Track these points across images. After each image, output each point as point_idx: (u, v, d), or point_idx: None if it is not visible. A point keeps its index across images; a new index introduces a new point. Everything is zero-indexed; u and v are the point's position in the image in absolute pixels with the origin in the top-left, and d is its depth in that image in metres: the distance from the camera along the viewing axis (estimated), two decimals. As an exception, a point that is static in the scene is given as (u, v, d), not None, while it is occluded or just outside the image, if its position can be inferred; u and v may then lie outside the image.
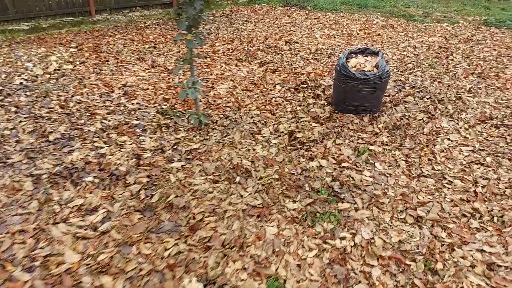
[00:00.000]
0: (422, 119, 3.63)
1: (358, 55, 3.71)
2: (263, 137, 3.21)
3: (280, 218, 2.25)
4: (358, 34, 7.01)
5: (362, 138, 3.26)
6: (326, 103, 3.94)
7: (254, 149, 2.99)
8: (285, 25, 7.70)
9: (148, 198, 2.36)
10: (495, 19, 8.40)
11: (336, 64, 3.62)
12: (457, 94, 4.24)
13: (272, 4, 10.42)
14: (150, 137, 3.08)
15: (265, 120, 3.51)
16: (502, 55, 5.73)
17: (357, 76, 3.41)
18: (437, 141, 3.26)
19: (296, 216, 2.29)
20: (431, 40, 6.48)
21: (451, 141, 3.28)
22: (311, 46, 6.04)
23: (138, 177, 2.53)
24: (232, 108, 3.76)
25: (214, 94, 4.09)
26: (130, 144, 2.96)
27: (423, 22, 8.21)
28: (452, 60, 5.43)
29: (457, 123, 3.58)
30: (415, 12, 9.44)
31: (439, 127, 3.50)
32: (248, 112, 3.66)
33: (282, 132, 3.28)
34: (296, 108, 3.78)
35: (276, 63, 5.24)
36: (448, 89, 4.37)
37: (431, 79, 4.66)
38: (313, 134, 3.26)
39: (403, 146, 3.16)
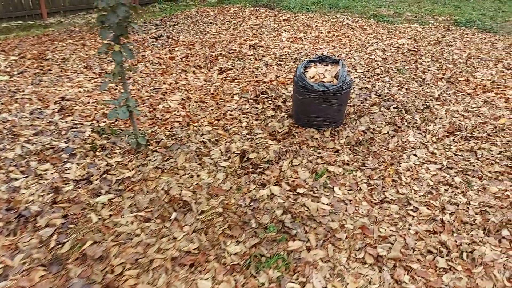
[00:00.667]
0: (388, 132, 3.35)
1: (318, 64, 3.40)
2: (211, 159, 2.84)
3: (217, 267, 1.89)
4: (326, 36, 6.74)
5: (321, 157, 2.94)
6: (286, 116, 3.61)
7: (198, 175, 2.62)
8: (252, 27, 7.36)
9: (59, 246, 1.96)
10: (465, 19, 8.31)
11: (294, 75, 3.29)
12: (425, 102, 4.00)
13: (241, 5, 10.06)
14: (78, 164, 2.67)
15: (216, 138, 3.15)
16: (472, 58, 5.56)
17: (315, 88, 3.09)
18: (403, 158, 2.98)
19: (238, 263, 1.94)
20: (400, 42, 6.27)
21: (418, 157, 3.00)
22: (277, 51, 5.71)
23: (51, 218, 2.13)
24: (181, 124, 3.38)
25: (163, 107, 3.70)
26: (52, 173, 2.54)
27: (394, 23, 8.03)
28: (421, 64, 5.21)
29: (425, 136, 3.32)
30: (385, 13, 9.28)
31: (405, 141, 3.22)
32: (198, 129, 3.28)
33: (234, 153, 2.93)
34: (252, 123, 3.43)
35: (237, 70, 4.88)
36: (416, 96, 4.12)
37: (398, 86, 4.40)
38: (268, 154, 2.92)
39: (365, 166, 2.86)
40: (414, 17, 8.80)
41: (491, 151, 3.10)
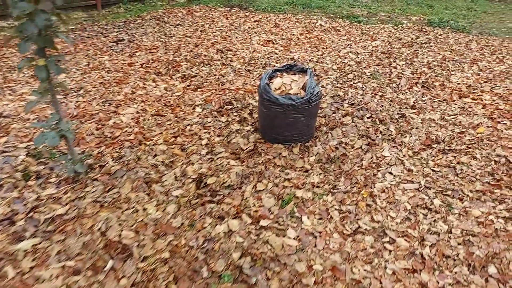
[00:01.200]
0: (361, 147, 3.08)
1: (284, 73, 3.09)
2: (163, 186, 2.48)
3: (156, 334, 1.55)
4: (298, 39, 6.46)
5: (289, 179, 2.64)
6: (252, 130, 3.29)
7: (144, 209, 2.26)
8: (221, 29, 7.00)
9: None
10: (438, 18, 8.21)
11: (258, 86, 2.96)
12: (400, 110, 3.76)
13: (212, 5, 9.67)
14: (2, 199, 2.26)
15: (171, 160, 2.79)
16: (447, 60, 5.40)
17: (280, 102, 2.78)
18: (377, 178, 2.71)
19: (182, 326, 1.60)
20: (374, 44, 6.05)
21: (394, 176, 2.74)
22: (246, 55, 5.38)
23: (-46, 276, 1.73)
24: (132, 142, 3.01)
25: (114, 123, 3.30)
26: (-34, 214, 2.13)
27: (367, 23, 7.84)
28: (396, 67, 4.99)
29: (400, 150, 3.07)
30: (359, 13, 9.10)
31: (380, 157, 2.96)
32: (151, 149, 2.92)
33: (190, 177, 2.58)
34: (214, 140, 3.09)
35: (202, 77, 4.52)
36: (390, 104, 3.87)
37: (372, 93, 4.15)
38: (230, 178, 2.59)
39: (337, 189, 2.57)
40: (387, 17, 8.65)
41: (471, 165, 2.87)
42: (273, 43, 6.17)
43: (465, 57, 5.58)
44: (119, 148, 2.92)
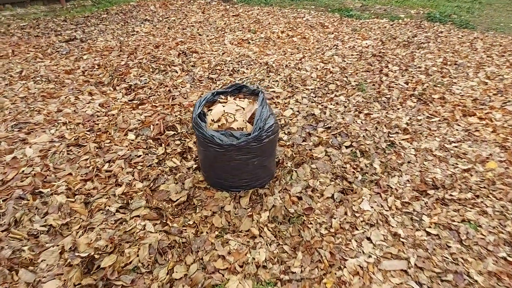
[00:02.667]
0: (333, 195, 2.30)
1: (229, 97, 2.29)
2: (35, 273, 1.71)
3: None
4: (279, 37, 5.63)
5: (224, 257, 1.86)
6: (195, 166, 2.51)
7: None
8: (193, 26, 6.16)
9: None
10: (439, 12, 7.37)
11: (192, 114, 2.17)
12: (389, 136, 2.97)
13: (191, -4, 8.79)
14: None
15: (65, 222, 2.02)
16: (449, 63, 4.59)
17: (216, 141, 1.99)
18: (350, 249, 1.94)
19: None
20: (364, 45, 5.23)
21: (373, 246, 1.97)
22: (213, 58, 4.57)
23: None
24: (25, 190, 2.23)
25: (13, 159, 2.52)
26: None
27: (360, 18, 7.00)
28: (387, 75, 4.19)
29: (386, 200, 2.29)
30: (352, 5, 8.23)
31: (357, 212, 2.18)
32: (45, 202, 2.14)
33: (79, 256, 1.81)
34: (135, 186, 2.31)
35: (151, 88, 3.72)
36: (377, 128, 3.09)
37: (356, 110, 3.36)
38: (138, 255, 1.82)
39: (290, 273, 1.80)
40: (383, 11, 7.80)
41: (480, 226, 2.10)
42: (249, 42, 5.35)
43: (469, 60, 4.77)
44: (3, 201, 2.14)
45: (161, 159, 2.59)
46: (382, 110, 3.39)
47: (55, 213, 2.06)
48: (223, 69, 4.22)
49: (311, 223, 2.08)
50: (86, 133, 2.87)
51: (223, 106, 2.19)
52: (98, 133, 2.90)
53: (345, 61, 4.60)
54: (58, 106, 3.31)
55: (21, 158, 2.54)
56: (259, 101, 2.15)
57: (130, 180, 2.35)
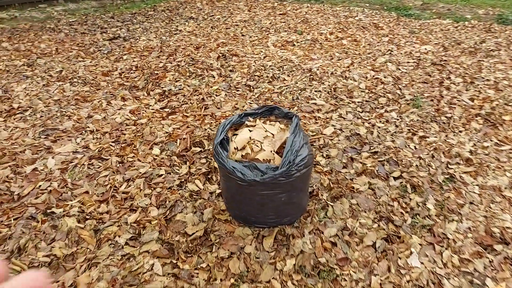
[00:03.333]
0: (374, 244, 1.94)
1: (259, 120, 1.99)
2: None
3: None
4: (327, 39, 5.22)
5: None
6: (218, 192, 2.26)
7: None
8: (237, 25, 5.92)
9: None
10: (512, 13, 6.51)
11: (214, 139, 1.90)
12: (447, 167, 2.53)
13: (239, -7, 8.56)
14: None
15: (72, 251, 1.85)
16: (523, 76, 3.95)
17: (237, 175, 1.71)
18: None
19: None
20: (423, 50, 4.68)
21: (422, 318, 1.59)
22: (253, 62, 4.29)
23: None
24: (38, 209, 2.10)
25: (33, 170, 2.42)
26: None
27: (419, 18, 6.37)
28: (449, 88, 3.66)
29: (440, 254, 1.89)
30: (412, 3, 7.55)
31: (403, 268, 1.81)
32: (55, 227, 1.99)
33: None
34: (149, 213, 2.10)
35: (185, 95, 3.52)
36: (433, 156, 2.64)
37: (409, 131, 2.93)
38: (141, 301, 1.60)
39: None
40: (447, 10, 7.06)
41: None
42: (294, 45, 5.00)
43: (551, 72, 4.07)
44: (14, 219, 2.03)
45: (183, 180, 2.37)
46: (440, 133, 2.92)
47: (62, 240, 1.90)
48: (262, 76, 3.93)
49: (345, 279, 1.74)
50: (111, 145, 2.72)
51: (250, 131, 1.90)
52: (123, 145, 2.74)
53: (399, 69, 4.11)
54: (89, 112, 3.21)
55: (41, 170, 2.44)
56: (292, 128, 1.83)
57: (146, 205, 2.15)
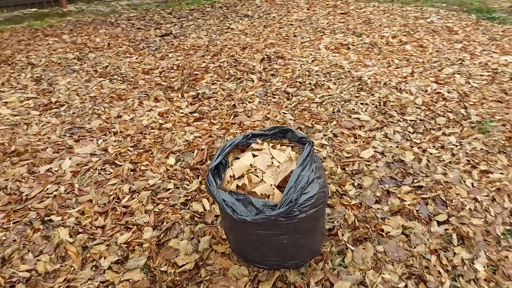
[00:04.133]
0: (395, 311, 1.55)
1: (267, 143, 1.69)
2: None
3: None
4: (388, 43, 4.68)
5: None
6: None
7: None
8: (291, 25, 5.60)
9: None
10: None
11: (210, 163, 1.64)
12: (511, 215, 2.01)
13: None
14: None
15: (54, 269, 1.73)
16: None
17: (226, 211, 1.44)
18: None
19: None
20: (502, 62, 3.96)
21: None
22: (299, 66, 3.96)
23: None
24: (39, 214, 2.03)
25: (48, 171, 2.37)
26: None
27: (504, 23, 5.49)
28: (529, 111, 3.01)
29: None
30: (497, 5, 6.58)
31: None
32: (46, 237, 1.89)
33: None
34: (143, 235, 1.91)
35: (217, 99, 3.32)
36: (495, 198, 2.12)
37: (468, 163, 2.41)
38: None
39: None
40: (542, 13, 6.01)
41: None
42: (348, 48, 4.56)
43: None
44: (14, 223, 1.98)
45: (189, 198, 2.16)
46: (509, 168, 2.37)
47: (49, 254, 1.79)
48: (304, 82, 3.58)
49: None
50: (128, 150, 2.61)
51: (254, 157, 1.61)
52: (140, 150, 2.61)
53: (469, 83, 3.50)
54: (120, 111, 3.15)
55: (55, 171, 2.39)
56: (301, 158, 1.51)
57: (143, 224, 1.97)
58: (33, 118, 3.04)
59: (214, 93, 3.44)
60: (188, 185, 2.26)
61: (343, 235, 1.89)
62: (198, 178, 2.32)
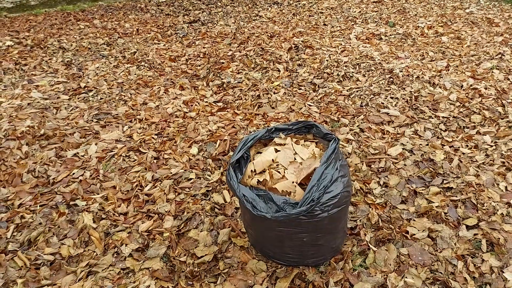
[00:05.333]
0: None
1: (290, 138, 1.64)
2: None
3: None
4: (422, 34, 4.48)
5: None
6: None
7: None
8: (321, 13, 5.45)
9: None
10: None
11: (230, 157, 1.61)
12: (550, 225, 1.88)
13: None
14: None
15: (78, 253, 1.77)
16: None
17: (246, 205, 1.42)
18: None
19: None
20: (548, 57, 3.71)
21: None
22: (327, 56, 3.85)
23: None
24: (65, 198, 2.08)
25: (74, 156, 2.43)
26: None
27: (552, 14, 5.12)
28: None
29: None
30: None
31: None
32: (71, 222, 1.94)
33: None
34: (164, 223, 1.93)
35: (241, 89, 3.29)
36: (532, 205, 2.00)
37: (503, 164, 2.28)
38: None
39: None
40: None
41: None
42: (381, 38, 4.39)
43: None
44: (40, 206, 2.04)
45: (210, 188, 2.15)
46: (547, 173, 2.22)
47: (72, 238, 1.84)
48: (332, 73, 3.49)
49: None
50: (153, 137, 2.63)
51: (277, 152, 1.58)
52: (164, 138, 2.62)
53: (508, 79, 3.30)
54: (146, 98, 3.18)
55: (81, 156, 2.44)
56: (325, 156, 1.46)
57: (164, 212, 1.98)
58: (63, 102, 3.11)
59: (239, 82, 3.40)
60: (209, 176, 2.26)
61: (365, 234, 1.84)
62: (219, 169, 2.31)
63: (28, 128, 2.66)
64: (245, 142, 1.59)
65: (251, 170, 1.53)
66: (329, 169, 1.44)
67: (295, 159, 1.54)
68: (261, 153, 1.62)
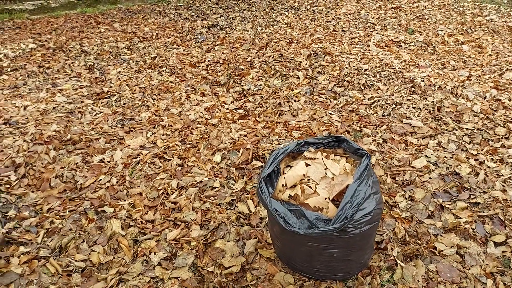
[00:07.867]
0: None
1: (319, 153, 1.65)
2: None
3: None
4: (443, 42, 4.45)
5: None
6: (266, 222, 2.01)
7: None
8: (339, 19, 5.44)
9: None
10: None
11: (261, 172, 1.62)
12: None
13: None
14: None
15: (107, 260, 1.80)
16: None
17: (277, 220, 1.43)
18: None
19: None
20: None
21: None
22: (347, 64, 3.85)
23: None
24: (93, 204, 2.12)
25: (100, 161, 2.47)
26: None
27: None
28: None
29: None
30: None
31: None
32: (100, 228, 1.98)
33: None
34: (191, 232, 1.95)
35: (262, 96, 3.31)
36: (562, 223, 1.97)
37: (531, 181, 2.25)
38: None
39: None
40: None
41: None
42: (400, 46, 4.37)
43: None
44: (69, 211, 2.08)
45: (235, 198, 2.17)
46: None
47: (102, 245, 1.87)
48: (353, 81, 3.48)
49: None
50: (176, 144, 2.66)
51: (307, 166, 1.58)
52: (188, 145, 2.65)
53: (533, 91, 3.26)
54: (168, 104, 3.21)
55: (107, 161, 2.48)
56: (358, 172, 1.47)
57: (190, 221, 2.01)
58: (87, 106, 3.16)
59: (259, 89, 3.42)
60: (233, 185, 2.28)
61: (392, 249, 1.83)
62: (243, 178, 2.33)
63: (54, 133, 2.71)
64: (276, 156, 1.60)
65: (282, 184, 1.54)
66: (362, 186, 1.44)
67: (326, 174, 1.55)
68: (291, 166, 1.63)
